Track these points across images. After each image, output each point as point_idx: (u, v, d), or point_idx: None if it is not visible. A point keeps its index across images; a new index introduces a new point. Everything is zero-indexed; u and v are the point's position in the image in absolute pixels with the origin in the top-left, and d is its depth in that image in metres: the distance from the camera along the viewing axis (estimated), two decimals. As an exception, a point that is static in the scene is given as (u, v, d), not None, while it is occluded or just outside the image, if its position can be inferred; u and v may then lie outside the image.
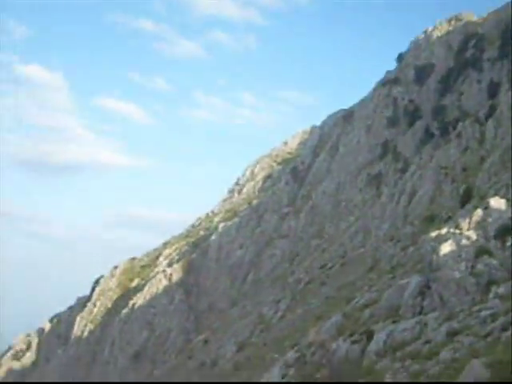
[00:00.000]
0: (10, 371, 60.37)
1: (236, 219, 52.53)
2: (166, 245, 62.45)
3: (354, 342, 14.45)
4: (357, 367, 11.65)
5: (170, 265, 52.30)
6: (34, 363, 60.55)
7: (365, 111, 53.57)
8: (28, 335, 68.48)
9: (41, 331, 65.67)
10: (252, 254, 46.14)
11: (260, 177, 64.69)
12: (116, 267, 61.03)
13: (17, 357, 63.99)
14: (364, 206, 41.08)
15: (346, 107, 66.03)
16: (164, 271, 50.16)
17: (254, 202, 56.84)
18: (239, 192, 65.14)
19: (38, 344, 63.21)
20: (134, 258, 63.33)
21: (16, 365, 61.69)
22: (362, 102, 58.76)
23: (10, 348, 68.11)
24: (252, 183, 64.17)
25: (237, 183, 69.30)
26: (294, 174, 59.14)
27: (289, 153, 71.04)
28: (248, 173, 68.41)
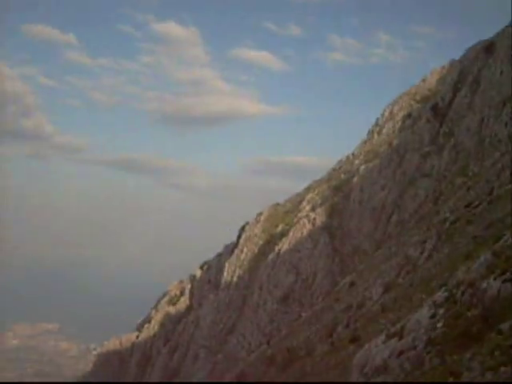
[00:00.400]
0: (167, 315, 71.86)
1: (377, 160, 55.18)
2: (308, 190, 67.64)
3: (505, 281, 16.30)
4: (509, 306, 13.74)
5: (313, 209, 57.37)
6: (188, 308, 70.94)
7: (507, 41, 52.55)
8: (181, 282, 79.55)
9: (192, 277, 76.00)
10: (395, 194, 49.26)
11: (399, 116, 66.13)
12: (260, 214, 67.97)
13: (172, 302, 75.27)
14: (510, 141, 41.92)
15: (485, 38, 64.79)
16: (307, 216, 55.47)
17: (395, 142, 58.96)
18: (379, 133, 67.46)
19: (191, 290, 73.46)
20: (277, 204, 69.79)
21: (171, 309, 72.81)
22: (504, 31, 57.36)
23: (165, 294, 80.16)
24: (391, 123, 66.08)
25: (376, 124, 71.49)
26: (435, 112, 60.04)
27: (428, 90, 71.28)
28: (387, 113, 70.17)
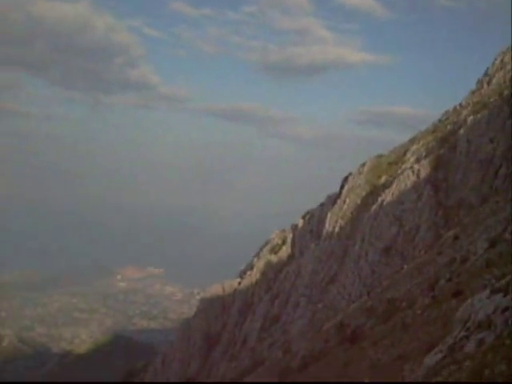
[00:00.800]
0: (268, 264, 74.69)
1: (485, 112, 53.45)
2: (412, 141, 66.82)
3: None
4: None
5: (417, 161, 56.81)
6: (290, 257, 73.35)
7: None
8: (283, 231, 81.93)
9: (294, 227, 78.12)
10: (503, 147, 47.63)
11: (511, 65, 63.34)
12: (363, 164, 68.17)
13: (274, 251, 77.94)
14: None
15: None
16: (412, 167, 55.14)
17: (505, 92, 56.58)
18: (488, 83, 64.63)
19: (293, 239, 75.75)
20: (380, 155, 69.54)
21: (273, 258, 75.50)
22: None
23: (267, 242, 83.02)
24: (502, 72, 62.88)
25: (485, 73, 68.50)
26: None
27: (544, 35, 67.68)
28: (497, 62, 66.89)
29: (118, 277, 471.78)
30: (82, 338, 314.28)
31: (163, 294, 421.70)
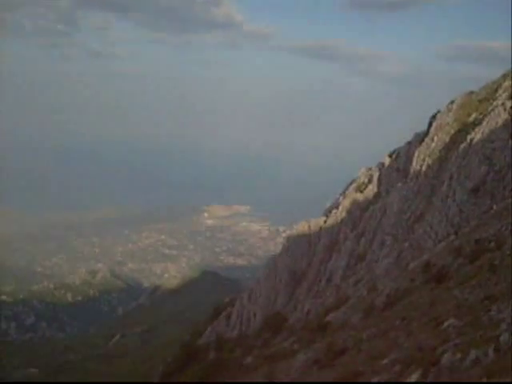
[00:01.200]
0: (354, 202, 75.62)
1: None
2: (505, 77, 64.60)
3: None
4: None
5: (509, 97, 55.43)
6: (376, 195, 73.81)
7: None
8: (369, 169, 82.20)
9: (381, 165, 78.26)
10: None
11: None
12: (452, 102, 66.60)
13: (360, 189, 78.66)
14: None
15: None
16: (503, 104, 53.53)
17: None
18: None
19: (379, 177, 76.09)
20: (471, 92, 67.51)
21: (359, 196, 76.30)
22: None
23: (353, 181, 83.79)
24: None
25: None
26: None
27: None
28: None
29: (205, 214, 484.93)
30: (171, 273, 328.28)
31: (249, 232, 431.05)
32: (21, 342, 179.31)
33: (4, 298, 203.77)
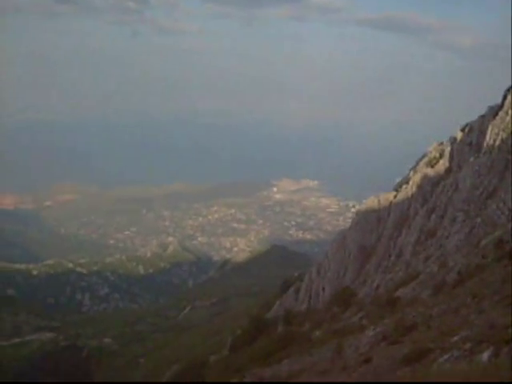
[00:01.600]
0: (425, 177, 74.22)
1: None
2: None
3: None
4: None
5: None
6: (447, 170, 72.23)
7: None
8: (441, 143, 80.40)
9: (453, 140, 76.33)
10: None
11: None
12: (529, 72, 64.84)
13: (431, 164, 77.07)
14: None
15: None
16: None
17: None
18: None
19: (451, 152, 74.28)
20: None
21: (430, 171, 74.82)
22: None
23: (424, 155, 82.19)
24: None
25: None
26: None
27: None
28: None
29: (275, 189, 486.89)
30: (241, 247, 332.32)
31: (318, 206, 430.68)
32: (95, 312, 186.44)
33: (79, 269, 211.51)
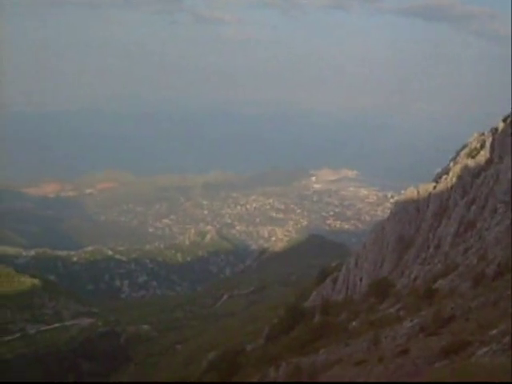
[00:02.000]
0: (465, 168, 73.08)
1: None
2: None
3: None
4: None
5: None
6: (488, 161, 71.06)
7: None
8: (482, 134, 79.07)
9: (494, 130, 74.93)
10: None
11: None
12: None
13: (471, 155, 75.88)
14: None
15: None
16: None
17: None
18: None
19: (492, 143, 72.99)
20: None
21: (470, 162, 73.69)
22: None
23: (464, 146, 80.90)
24: None
25: None
26: None
27: None
28: None
29: (313, 178, 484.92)
30: (279, 236, 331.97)
31: (357, 196, 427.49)
32: (133, 299, 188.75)
33: (118, 256, 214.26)
